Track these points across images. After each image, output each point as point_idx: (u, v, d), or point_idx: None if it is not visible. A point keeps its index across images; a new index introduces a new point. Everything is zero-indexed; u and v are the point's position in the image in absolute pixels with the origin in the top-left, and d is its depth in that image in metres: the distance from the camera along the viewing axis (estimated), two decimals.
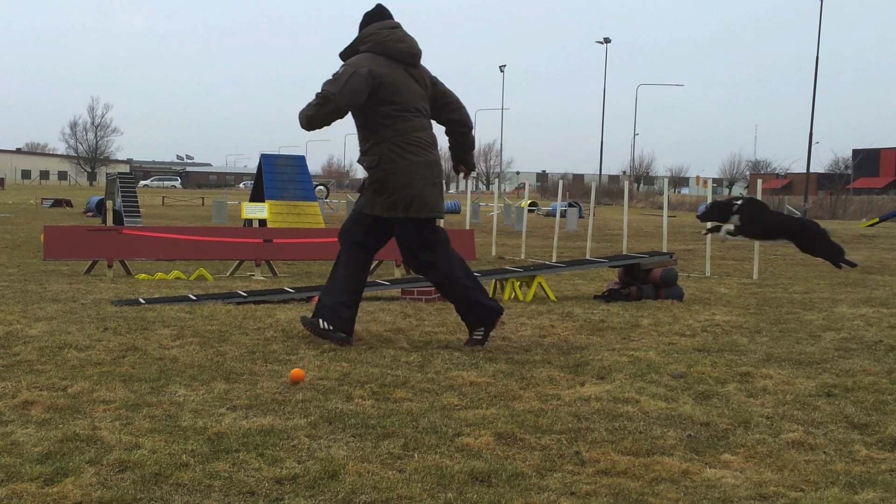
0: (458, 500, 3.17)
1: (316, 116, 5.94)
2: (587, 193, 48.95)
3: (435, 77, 6.34)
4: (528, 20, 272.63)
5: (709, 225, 9.44)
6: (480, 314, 6.08)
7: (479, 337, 6.09)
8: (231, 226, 23.37)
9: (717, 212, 9.42)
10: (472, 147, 6.60)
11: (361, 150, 6.15)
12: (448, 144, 6.59)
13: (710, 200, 16.22)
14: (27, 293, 8.74)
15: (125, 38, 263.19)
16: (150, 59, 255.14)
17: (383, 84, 5.95)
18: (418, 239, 6.08)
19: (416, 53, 6.16)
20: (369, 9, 6.24)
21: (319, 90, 5.91)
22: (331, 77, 5.94)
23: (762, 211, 9.54)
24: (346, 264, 6.18)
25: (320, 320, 5.98)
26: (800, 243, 9.42)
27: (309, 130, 6.08)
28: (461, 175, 6.65)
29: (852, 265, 9.86)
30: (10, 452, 3.54)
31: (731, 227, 9.25)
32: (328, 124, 6.01)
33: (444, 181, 6.42)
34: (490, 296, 6.23)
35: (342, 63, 6.10)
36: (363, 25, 6.19)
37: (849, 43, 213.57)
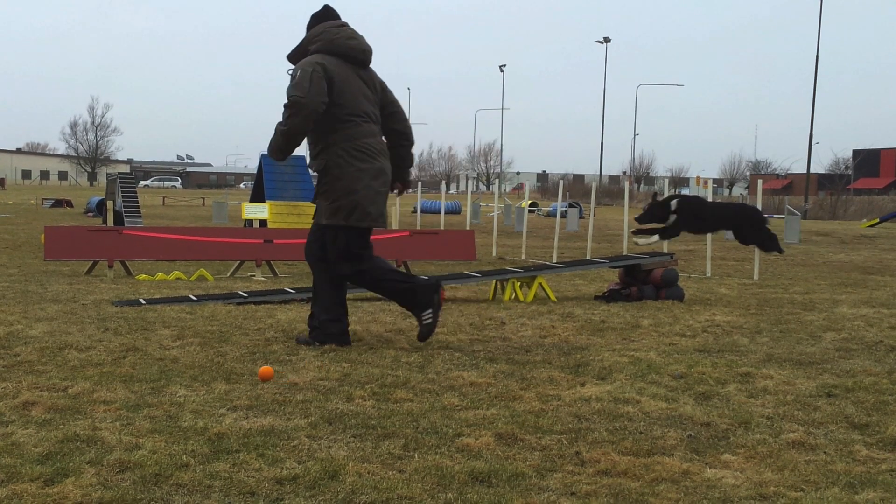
0: (458, 500, 3.17)
1: (296, 126, 5.81)
2: (587, 194, 48.94)
3: (384, 83, 6.26)
4: (528, 20, 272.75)
5: (641, 240, 9.42)
6: (419, 296, 5.97)
7: (430, 320, 5.96)
8: (231, 226, 23.37)
9: (655, 213, 9.39)
10: (412, 163, 6.50)
11: (311, 155, 6.06)
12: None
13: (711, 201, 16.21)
14: (28, 294, 8.74)
15: (125, 38, 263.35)
16: (150, 59, 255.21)
17: (334, 85, 5.85)
18: (355, 248, 5.98)
19: (366, 50, 6.08)
20: (316, 10, 6.14)
21: (287, 100, 5.79)
22: (291, 82, 5.82)
23: (700, 206, 9.53)
24: (320, 281, 6.12)
25: (315, 343, 5.95)
26: (740, 233, 9.46)
27: (295, 146, 5.92)
28: (395, 192, 6.48)
29: (780, 251, 9.87)
30: (11, 453, 3.54)
31: (655, 237, 9.26)
32: (310, 128, 5.89)
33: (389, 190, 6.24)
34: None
35: (293, 66, 5.98)
36: (311, 26, 6.08)
37: (849, 43, 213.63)
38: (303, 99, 5.76)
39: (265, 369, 4.92)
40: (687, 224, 9.32)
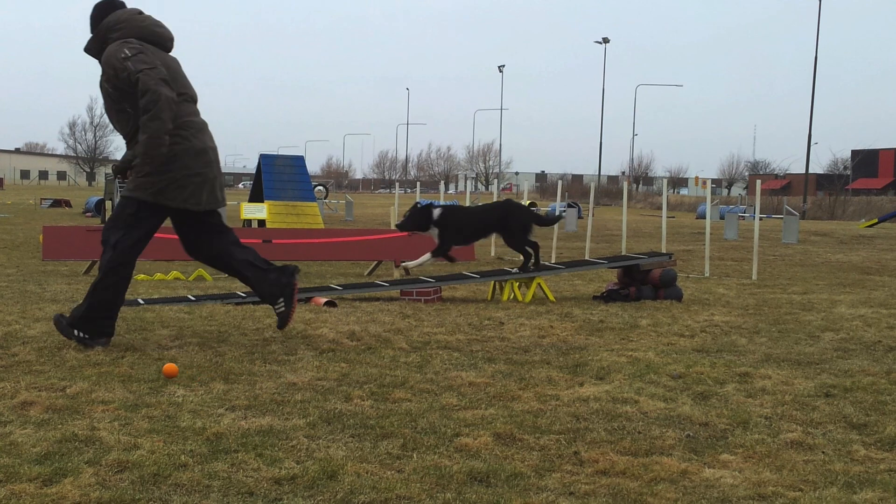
0: (456, 500, 3.17)
1: (168, 98, 5.57)
2: (586, 194, 48.92)
3: None
4: (528, 20, 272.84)
5: (410, 264, 8.92)
6: (93, 311, 5.69)
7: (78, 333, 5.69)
8: (230, 226, 23.34)
9: (416, 220, 8.94)
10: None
11: (128, 134, 5.80)
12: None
13: (709, 202, 16.21)
14: (26, 293, 8.74)
15: None
16: None
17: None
18: (131, 220, 5.69)
19: (173, 38, 5.99)
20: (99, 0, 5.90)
21: (150, 83, 5.50)
22: (138, 68, 5.55)
23: (458, 216, 9.04)
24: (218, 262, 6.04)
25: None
26: (503, 234, 8.99)
27: (173, 123, 5.61)
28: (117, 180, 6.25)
29: (533, 246, 9.02)
30: (9, 453, 3.54)
31: (427, 256, 8.89)
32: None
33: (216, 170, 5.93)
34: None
35: (101, 59, 5.74)
36: (98, 16, 5.86)
37: (848, 44, 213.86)
38: (157, 70, 5.57)
39: (168, 366, 4.90)
40: (451, 239, 8.90)
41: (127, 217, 5.76)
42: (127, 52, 5.62)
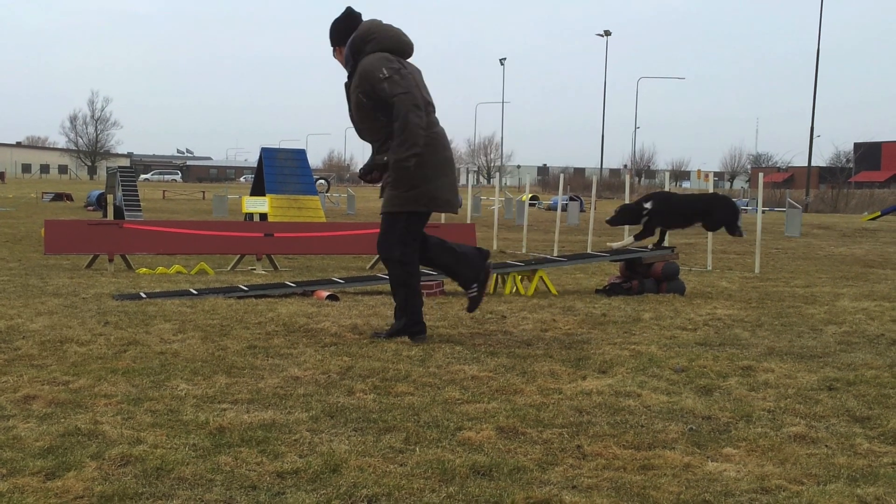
0: (459, 493, 3.17)
1: None
2: (588, 187, 48.84)
3: None
4: (529, 11, 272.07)
5: None
6: None
7: None
8: (232, 220, 23.35)
9: None
10: None
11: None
12: None
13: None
14: (28, 287, 8.74)
15: (125, 32, 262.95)
16: (150, 51, 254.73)
17: None
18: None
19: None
20: None
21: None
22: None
23: None
24: None
25: None
26: None
27: None
28: None
29: None
30: (12, 447, 3.54)
31: None
32: None
33: None
34: (486, 290, 6.22)
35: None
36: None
37: (850, 36, 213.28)
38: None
39: None
40: None
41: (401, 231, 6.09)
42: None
